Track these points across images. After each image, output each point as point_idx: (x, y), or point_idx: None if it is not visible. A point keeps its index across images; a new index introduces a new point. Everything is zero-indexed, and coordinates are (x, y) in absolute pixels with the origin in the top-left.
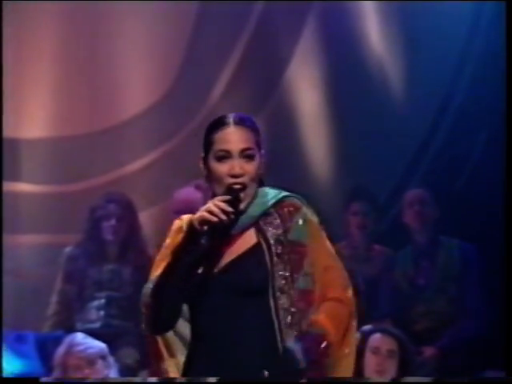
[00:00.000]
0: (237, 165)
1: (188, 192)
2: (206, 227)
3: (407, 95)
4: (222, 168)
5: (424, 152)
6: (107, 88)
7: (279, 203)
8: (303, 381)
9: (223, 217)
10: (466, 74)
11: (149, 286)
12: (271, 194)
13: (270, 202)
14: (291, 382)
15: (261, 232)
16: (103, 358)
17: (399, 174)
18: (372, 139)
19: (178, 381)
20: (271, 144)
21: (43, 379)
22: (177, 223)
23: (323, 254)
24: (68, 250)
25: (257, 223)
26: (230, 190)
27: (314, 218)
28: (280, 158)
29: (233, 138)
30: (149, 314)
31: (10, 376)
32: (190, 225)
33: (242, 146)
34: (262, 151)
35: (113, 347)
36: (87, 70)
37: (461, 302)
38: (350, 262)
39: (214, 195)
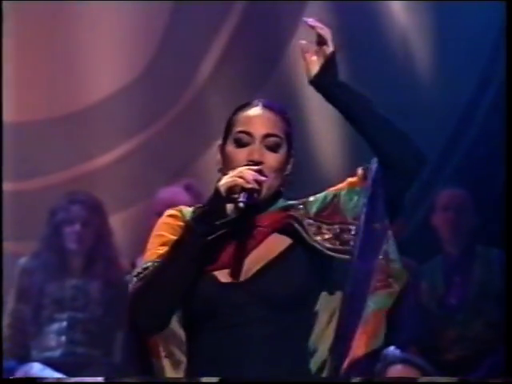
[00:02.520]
0: (257, 150)
1: (175, 192)
2: (237, 196)
3: (435, 82)
4: (239, 154)
5: (454, 147)
6: (72, 69)
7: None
8: (310, 381)
9: (257, 186)
10: (501, 65)
11: (142, 270)
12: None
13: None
14: (295, 383)
15: (296, 222)
16: None
17: (426, 169)
18: None
19: (177, 381)
20: None
21: (40, 379)
22: (169, 212)
23: None
24: (22, 261)
25: (286, 213)
26: None
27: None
28: None
29: (257, 119)
30: (142, 302)
31: None
32: (216, 193)
33: (267, 130)
34: (293, 151)
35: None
36: (48, 50)
37: (501, 326)
38: None
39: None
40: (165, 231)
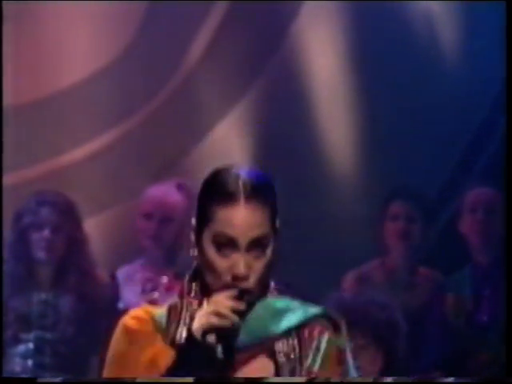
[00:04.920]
0: (242, 262)
1: (166, 191)
2: (211, 338)
3: (462, 67)
4: (221, 262)
5: (482, 142)
6: (39, 48)
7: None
8: (303, 381)
9: (235, 318)
10: None
11: None
12: (294, 311)
13: (292, 323)
14: (294, 382)
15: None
16: None
17: (451, 166)
18: (415, 121)
19: (177, 381)
20: (271, 127)
21: (40, 379)
22: (137, 317)
23: None
24: None
25: (268, 345)
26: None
27: (340, 344)
28: (285, 144)
29: (241, 220)
30: None
31: None
32: (189, 339)
33: (254, 233)
34: (277, 223)
35: None
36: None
37: None
38: (386, 290)
39: (201, 280)
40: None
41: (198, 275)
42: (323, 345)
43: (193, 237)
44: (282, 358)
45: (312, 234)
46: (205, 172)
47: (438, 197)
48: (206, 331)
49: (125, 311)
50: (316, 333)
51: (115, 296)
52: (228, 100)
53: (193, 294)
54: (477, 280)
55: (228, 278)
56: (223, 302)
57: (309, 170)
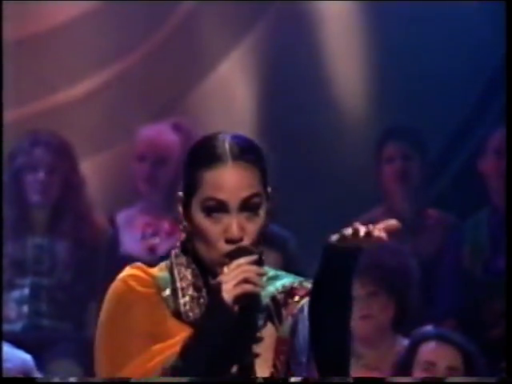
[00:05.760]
0: (234, 224)
1: (159, 131)
2: (239, 306)
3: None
4: (212, 227)
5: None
6: None
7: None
8: (307, 380)
9: (264, 283)
10: None
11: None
12: (284, 277)
13: (279, 285)
14: (294, 383)
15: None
16: (27, 376)
17: (467, 105)
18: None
19: (178, 381)
20: (275, 68)
21: (39, 379)
22: (130, 280)
23: None
24: None
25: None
26: (229, 256)
27: None
28: (289, 87)
29: (230, 182)
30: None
31: None
32: (220, 304)
33: (245, 193)
34: (269, 189)
35: (42, 359)
36: None
37: None
38: (394, 237)
39: (194, 255)
40: (139, 318)
41: (187, 250)
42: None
43: (180, 209)
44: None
45: (315, 183)
46: (206, 112)
47: (456, 136)
48: (238, 298)
49: (124, 257)
50: (302, 293)
51: (114, 241)
52: (231, 39)
53: (183, 269)
54: (495, 225)
55: (222, 244)
56: (250, 268)
57: (313, 114)
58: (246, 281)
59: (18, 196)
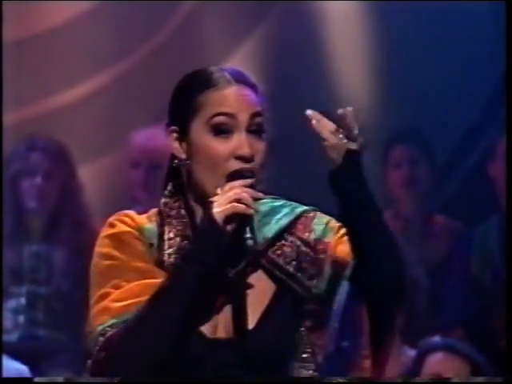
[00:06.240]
0: (245, 141)
1: (151, 136)
2: (232, 226)
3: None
4: (220, 146)
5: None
6: None
7: (294, 222)
8: (309, 380)
9: (257, 207)
10: None
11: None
12: (282, 208)
13: (284, 222)
14: (295, 383)
15: (275, 268)
16: None
17: (476, 107)
18: (430, 57)
19: (177, 381)
20: (281, 63)
21: (37, 379)
22: (116, 228)
23: None
24: None
25: (264, 254)
26: (231, 178)
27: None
28: (295, 82)
29: (238, 97)
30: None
31: None
32: (210, 223)
33: (252, 109)
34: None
35: (38, 370)
36: None
37: None
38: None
39: (187, 194)
40: (129, 253)
41: (177, 193)
42: (317, 226)
43: (176, 144)
44: (285, 266)
45: (319, 188)
46: None
47: (465, 139)
48: (228, 217)
49: None
50: (309, 221)
51: None
52: (232, 40)
53: (173, 220)
54: (504, 231)
55: (233, 163)
56: (244, 189)
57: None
58: (238, 201)
59: (15, 202)
